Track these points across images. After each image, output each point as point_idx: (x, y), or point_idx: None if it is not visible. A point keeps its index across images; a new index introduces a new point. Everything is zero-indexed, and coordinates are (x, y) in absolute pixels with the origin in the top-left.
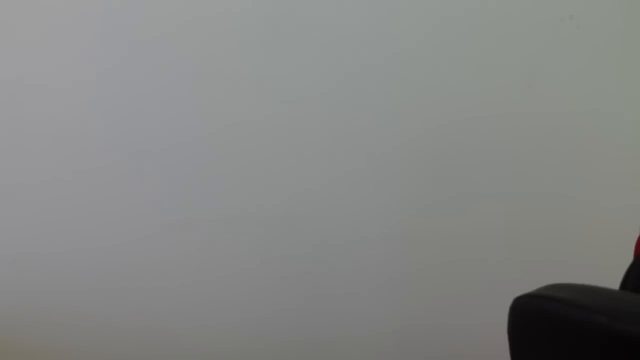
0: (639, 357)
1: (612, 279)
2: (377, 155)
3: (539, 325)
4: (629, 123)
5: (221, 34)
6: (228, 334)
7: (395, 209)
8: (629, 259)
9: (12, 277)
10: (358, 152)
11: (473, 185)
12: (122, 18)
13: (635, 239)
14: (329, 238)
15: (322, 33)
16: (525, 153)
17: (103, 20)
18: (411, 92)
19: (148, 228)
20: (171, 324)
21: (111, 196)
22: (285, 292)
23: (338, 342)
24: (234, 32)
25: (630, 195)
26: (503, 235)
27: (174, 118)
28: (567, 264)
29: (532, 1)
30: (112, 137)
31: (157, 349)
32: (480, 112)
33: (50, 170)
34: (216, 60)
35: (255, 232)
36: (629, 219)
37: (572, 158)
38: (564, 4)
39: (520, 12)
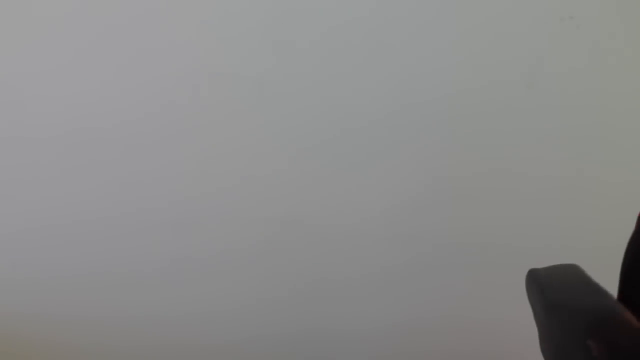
0: (555, 319)
1: (612, 278)
2: (376, 154)
3: (530, 296)
4: (630, 123)
5: (222, 34)
6: (227, 333)
7: (395, 208)
8: None
9: (13, 279)
10: (357, 151)
11: (473, 184)
12: (121, 17)
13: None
14: (329, 237)
15: (318, 30)
16: (525, 153)
17: (101, 20)
18: (409, 92)
19: (148, 228)
20: (172, 324)
21: (111, 196)
22: (285, 292)
23: (338, 341)
24: (235, 32)
25: (631, 194)
26: (502, 234)
27: (174, 117)
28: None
29: (532, 1)
30: (113, 138)
31: (158, 348)
32: (479, 112)
33: (50, 170)
34: (214, 58)
35: (254, 232)
36: (630, 218)
37: (572, 158)
38: (564, 4)
39: (520, 12)
